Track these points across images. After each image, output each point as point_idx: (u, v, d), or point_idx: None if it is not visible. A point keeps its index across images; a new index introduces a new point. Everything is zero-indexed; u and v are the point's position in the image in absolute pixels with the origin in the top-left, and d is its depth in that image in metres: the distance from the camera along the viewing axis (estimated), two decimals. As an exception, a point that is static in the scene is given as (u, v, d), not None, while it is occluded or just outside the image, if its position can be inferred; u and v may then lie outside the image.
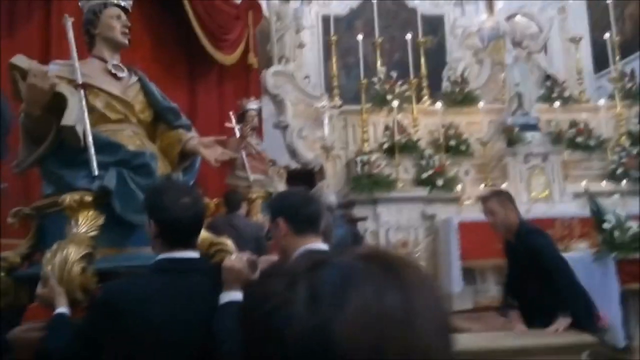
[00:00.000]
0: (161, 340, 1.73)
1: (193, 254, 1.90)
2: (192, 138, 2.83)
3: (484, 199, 3.58)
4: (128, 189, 2.41)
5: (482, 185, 7.51)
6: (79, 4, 2.93)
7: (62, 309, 2.03)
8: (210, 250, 2.50)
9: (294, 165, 8.16)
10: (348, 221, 5.19)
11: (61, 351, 1.85)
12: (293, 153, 7.79)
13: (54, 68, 2.63)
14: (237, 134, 6.53)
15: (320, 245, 1.99)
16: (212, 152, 2.75)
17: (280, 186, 6.61)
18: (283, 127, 7.79)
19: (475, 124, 8.02)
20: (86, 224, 2.33)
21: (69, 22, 2.73)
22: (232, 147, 6.35)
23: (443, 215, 7.35)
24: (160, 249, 1.88)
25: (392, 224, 7.44)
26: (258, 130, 7.28)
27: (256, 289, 0.65)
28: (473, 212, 7.23)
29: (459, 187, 7.46)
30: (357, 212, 7.41)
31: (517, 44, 8.08)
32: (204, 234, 2.54)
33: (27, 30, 5.24)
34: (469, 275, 6.92)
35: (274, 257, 2.11)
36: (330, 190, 5.58)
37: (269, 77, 7.77)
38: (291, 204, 2.05)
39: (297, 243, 1.97)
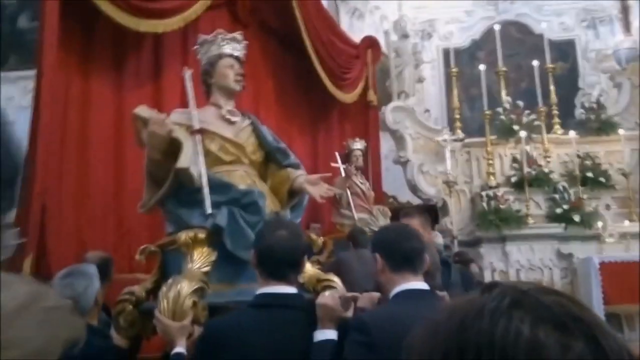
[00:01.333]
0: None
1: (289, 289, 1.91)
2: (299, 176, 2.92)
3: (403, 214, 3.24)
4: (238, 226, 2.51)
5: (627, 221, 6.80)
6: (197, 57, 3.17)
7: (180, 348, 2.11)
8: (317, 287, 2.50)
9: (415, 201, 8.01)
10: (457, 262, 4.95)
11: None
12: (414, 189, 7.64)
13: (175, 116, 2.87)
14: (343, 174, 6.59)
15: (419, 284, 1.88)
16: (317, 189, 2.81)
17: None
18: (403, 163, 7.69)
19: (615, 152, 7.32)
20: (200, 260, 2.45)
21: (187, 74, 2.96)
22: (337, 187, 6.42)
23: (581, 255, 6.73)
24: (260, 281, 1.92)
25: (524, 264, 6.95)
26: (363, 170, 7.32)
27: (484, 328, 0.56)
28: (616, 251, 6.58)
29: (599, 224, 6.81)
30: (484, 250, 7.04)
31: (660, 63, 7.34)
32: (311, 270, 2.55)
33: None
34: (615, 322, 6.21)
35: (375, 294, 2.04)
36: (435, 232, 5.38)
37: (389, 112, 7.76)
38: (388, 239, 1.96)
39: (394, 280, 1.88)
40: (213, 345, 1.82)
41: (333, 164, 6.76)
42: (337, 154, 6.94)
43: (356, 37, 8.42)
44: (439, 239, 5.25)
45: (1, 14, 6.15)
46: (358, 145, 7.25)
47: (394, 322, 1.60)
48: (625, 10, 8.06)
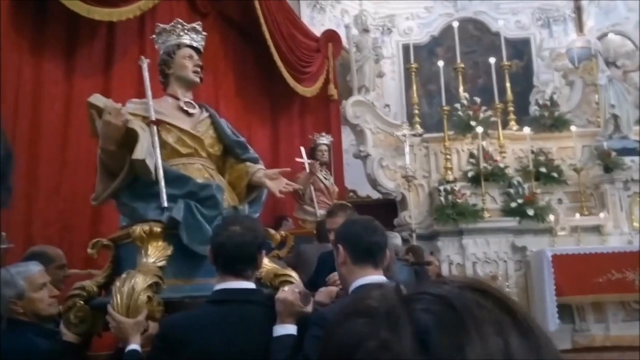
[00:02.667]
0: None
1: (247, 284, 1.90)
2: (258, 170, 2.90)
3: (330, 213, 3.32)
4: (195, 220, 2.48)
5: (577, 215, 7.02)
6: (155, 46, 3.09)
7: (134, 345, 2.06)
8: (275, 282, 2.48)
9: (375, 195, 8.07)
10: (411, 265, 5.02)
11: None
12: (374, 183, 7.69)
13: (130, 106, 2.78)
14: (307, 169, 6.53)
15: (378, 277, 1.90)
16: (276, 184, 2.79)
17: None
18: (363, 157, 7.73)
19: (568, 149, 7.54)
20: (155, 254, 2.40)
21: (144, 63, 2.89)
22: (301, 182, 6.37)
23: (535, 248, 6.92)
24: (217, 277, 1.91)
25: (480, 257, 7.10)
26: (328, 165, 7.26)
27: (338, 331, 0.52)
28: (568, 244, 6.79)
29: (551, 217, 7.01)
30: (442, 244, 7.15)
31: (611, 63, 7.57)
32: (269, 265, 2.53)
33: (122, 68, 5.53)
34: (566, 312, 6.41)
35: (333, 289, 2.05)
36: (394, 234, 5.41)
37: (349, 107, 7.78)
38: (352, 232, 1.97)
39: (355, 273, 1.90)
40: (171, 343, 1.80)
41: (298, 159, 6.68)
42: (302, 149, 6.87)
43: (317, 31, 8.40)
44: (397, 240, 5.24)
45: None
46: (324, 140, 7.19)
47: None
48: (578, 10, 8.29)
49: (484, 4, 9.44)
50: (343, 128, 8.28)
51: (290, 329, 1.86)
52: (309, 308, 1.96)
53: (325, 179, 7.03)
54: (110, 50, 5.52)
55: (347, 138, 8.39)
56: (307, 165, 6.56)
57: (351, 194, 8.28)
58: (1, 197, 0.55)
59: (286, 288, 2.00)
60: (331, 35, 8.32)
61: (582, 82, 8.08)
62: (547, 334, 0.52)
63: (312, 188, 6.56)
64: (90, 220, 4.65)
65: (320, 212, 6.46)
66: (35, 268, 2.40)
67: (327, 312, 1.85)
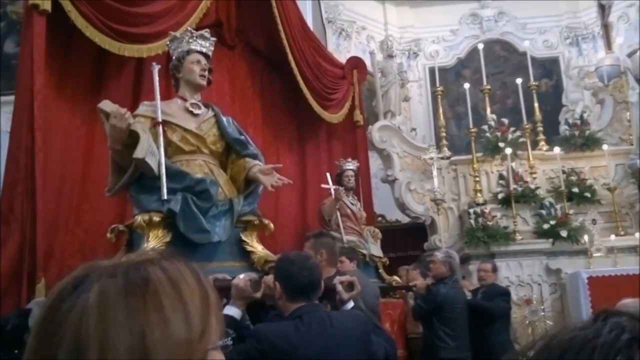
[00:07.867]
0: None
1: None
2: (254, 166, 3.09)
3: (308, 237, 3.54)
4: (191, 211, 2.78)
5: (613, 236, 6.77)
6: (170, 51, 3.33)
7: None
8: (265, 267, 2.63)
9: (404, 219, 8.00)
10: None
11: None
12: (402, 207, 7.65)
13: (142, 108, 3.17)
14: (332, 195, 6.52)
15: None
16: (268, 179, 3.01)
17: (374, 248, 6.46)
18: (391, 181, 7.72)
19: (600, 168, 7.37)
20: (155, 240, 2.63)
21: (155, 69, 3.12)
22: (327, 208, 6.38)
23: (569, 270, 6.72)
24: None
25: (513, 280, 6.92)
26: (355, 191, 7.24)
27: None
28: (604, 265, 6.54)
29: (586, 238, 6.79)
30: (473, 267, 6.99)
31: (642, 80, 7.42)
32: (260, 252, 2.67)
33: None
34: (603, 336, 6.12)
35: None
36: (453, 253, 5.43)
37: (375, 132, 7.83)
38: (288, 272, 2.16)
39: (289, 308, 2.13)
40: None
41: (323, 185, 6.70)
42: (328, 174, 6.88)
43: (343, 57, 8.54)
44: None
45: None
46: (350, 165, 7.22)
47: (282, 337, 2.00)
48: (606, 28, 8.20)
49: (510, 24, 9.45)
50: (370, 153, 8.31)
51: (234, 311, 2.12)
52: (259, 294, 2.20)
53: (352, 204, 7.01)
54: (138, 86, 5.70)
55: (375, 163, 8.41)
56: (332, 191, 6.56)
57: (380, 218, 8.22)
58: None
59: (241, 276, 2.21)
60: (356, 62, 8.43)
61: (613, 100, 7.93)
62: None
63: (338, 214, 6.53)
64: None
65: (347, 238, 6.41)
66: None
67: (262, 328, 2.09)
